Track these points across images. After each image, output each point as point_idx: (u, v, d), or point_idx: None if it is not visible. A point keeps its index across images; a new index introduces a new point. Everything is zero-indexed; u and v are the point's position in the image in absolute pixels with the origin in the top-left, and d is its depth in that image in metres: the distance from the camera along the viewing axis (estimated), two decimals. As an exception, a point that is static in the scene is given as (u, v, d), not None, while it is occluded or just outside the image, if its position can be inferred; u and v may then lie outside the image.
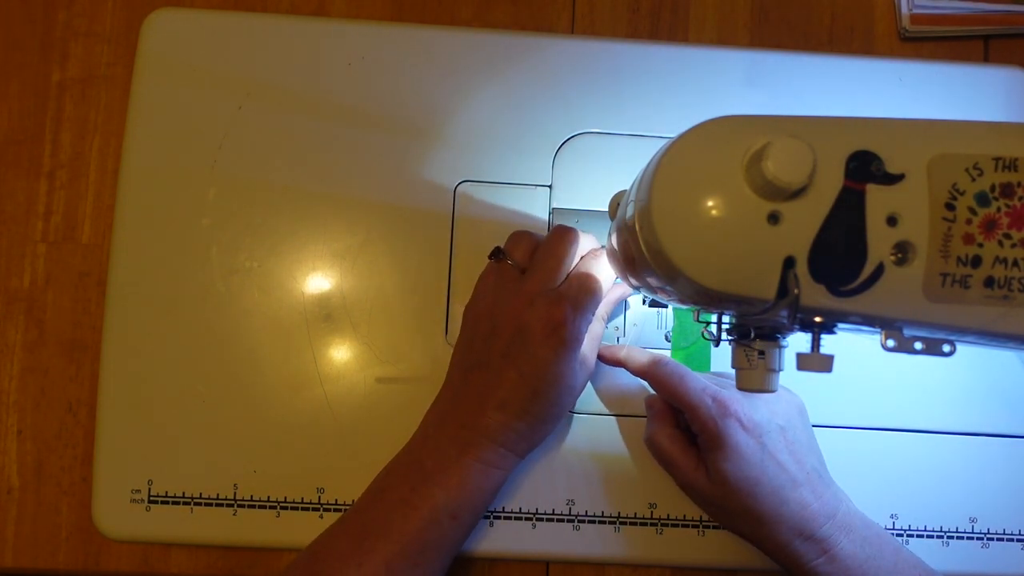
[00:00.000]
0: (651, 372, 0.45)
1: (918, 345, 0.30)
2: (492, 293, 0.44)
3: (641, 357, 0.46)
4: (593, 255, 0.45)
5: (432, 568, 0.42)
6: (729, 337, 0.39)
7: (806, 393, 0.46)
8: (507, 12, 0.54)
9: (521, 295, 0.42)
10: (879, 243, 0.28)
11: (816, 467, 0.44)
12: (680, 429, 0.46)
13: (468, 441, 0.42)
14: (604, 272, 0.44)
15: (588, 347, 0.45)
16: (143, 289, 0.49)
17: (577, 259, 0.45)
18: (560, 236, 0.44)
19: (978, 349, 0.48)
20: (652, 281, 0.34)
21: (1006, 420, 0.50)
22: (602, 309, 0.46)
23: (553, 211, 0.50)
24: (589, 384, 0.49)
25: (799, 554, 0.42)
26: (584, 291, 0.43)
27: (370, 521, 0.42)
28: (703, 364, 0.49)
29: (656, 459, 0.47)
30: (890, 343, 0.29)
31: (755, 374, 0.38)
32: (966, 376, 0.49)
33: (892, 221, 0.28)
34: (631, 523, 0.48)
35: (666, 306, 0.48)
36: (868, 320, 0.29)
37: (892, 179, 0.28)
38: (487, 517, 0.48)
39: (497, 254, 0.45)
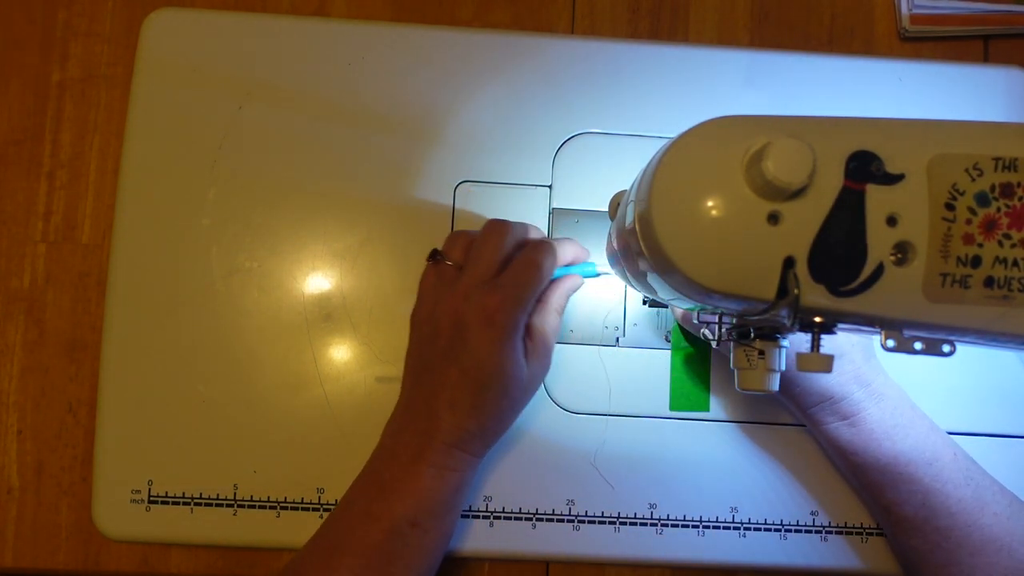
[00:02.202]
0: None
1: (918, 345, 0.30)
2: (432, 294, 0.44)
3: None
4: (533, 244, 0.44)
5: None
6: (729, 337, 0.39)
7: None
8: (507, 12, 0.54)
9: (458, 292, 0.42)
10: (879, 243, 0.28)
11: (864, 343, 0.44)
12: None
13: (421, 447, 0.42)
14: (546, 260, 0.43)
15: (543, 340, 0.44)
16: (143, 289, 0.49)
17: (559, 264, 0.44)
18: (493, 228, 0.44)
19: (978, 349, 0.48)
20: (652, 281, 0.34)
21: (1006, 420, 0.50)
22: (557, 302, 0.45)
23: (553, 211, 0.50)
24: (588, 384, 0.49)
25: (819, 417, 0.44)
26: (520, 279, 0.42)
27: (336, 536, 0.42)
28: (703, 364, 0.49)
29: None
30: (890, 343, 0.29)
31: (755, 374, 0.38)
32: (966, 376, 0.49)
33: (892, 221, 0.28)
34: (631, 523, 0.48)
35: (666, 306, 0.48)
36: (868, 320, 0.29)
37: (892, 179, 0.28)
38: (487, 517, 0.48)
39: (434, 255, 0.45)
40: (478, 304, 0.41)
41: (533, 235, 0.46)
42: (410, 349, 0.45)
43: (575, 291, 0.47)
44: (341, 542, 0.41)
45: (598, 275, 0.47)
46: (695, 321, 0.43)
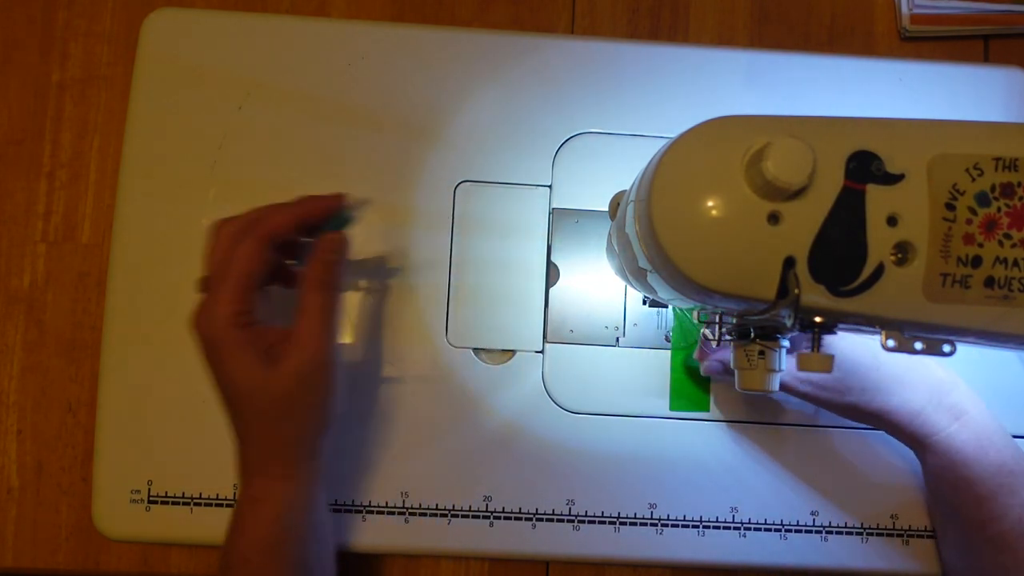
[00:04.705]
0: None
1: (918, 345, 0.30)
2: None
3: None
4: (225, 230, 0.39)
5: None
6: (729, 337, 0.39)
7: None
8: (507, 12, 0.54)
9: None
10: (879, 243, 0.28)
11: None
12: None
13: (239, 484, 0.41)
14: (239, 246, 0.38)
15: (298, 334, 0.38)
16: (143, 289, 0.49)
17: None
18: (211, 233, 0.40)
19: (978, 349, 0.48)
20: (652, 281, 0.34)
21: (1006, 420, 0.49)
22: (317, 278, 0.39)
23: (553, 211, 0.50)
24: (588, 384, 0.49)
25: (932, 422, 0.42)
26: (217, 281, 0.38)
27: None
28: (703, 364, 0.49)
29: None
30: (890, 343, 0.29)
31: (755, 374, 0.38)
32: (966, 376, 0.49)
33: (892, 221, 0.28)
34: (631, 523, 0.48)
35: (666, 306, 0.48)
36: (868, 320, 0.29)
37: (892, 179, 0.28)
38: (487, 517, 0.48)
39: (201, 285, 0.40)
40: (194, 323, 0.38)
41: (270, 220, 0.39)
42: None
43: (341, 252, 0.41)
44: None
45: (352, 217, 0.42)
46: (696, 319, 0.43)
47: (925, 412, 0.42)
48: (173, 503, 0.48)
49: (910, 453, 0.46)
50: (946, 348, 0.30)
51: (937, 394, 0.42)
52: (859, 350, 0.42)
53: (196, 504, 0.48)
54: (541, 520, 0.48)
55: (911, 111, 0.52)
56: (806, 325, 0.30)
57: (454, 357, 0.49)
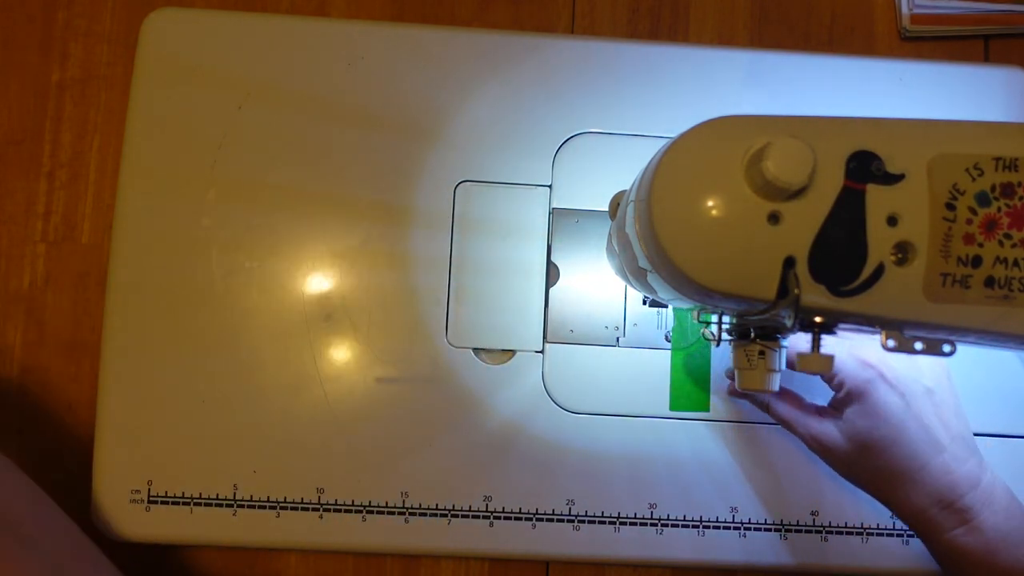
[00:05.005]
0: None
1: (918, 345, 0.30)
2: None
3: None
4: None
5: None
6: (729, 337, 0.39)
7: (806, 392, 0.46)
8: (507, 12, 0.54)
9: None
10: (879, 243, 0.28)
11: (963, 432, 0.41)
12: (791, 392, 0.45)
13: None
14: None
15: None
16: (143, 289, 0.49)
17: None
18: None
19: (978, 349, 0.48)
20: (652, 281, 0.34)
21: (1006, 420, 0.49)
22: None
23: (553, 211, 0.50)
24: (588, 384, 0.49)
25: (936, 522, 0.40)
26: None
27: None
28: (703, 364, 0.49)
29: (780, 424, 0.45)
30: (890, 343, 0.29)
31: (755, 374, 0.38)
32: (966, 376, 0.49)
33: (892, 221, 0.28)
34: (631, 523, 0.48)
35: (666, 306, 0.48)
36: (868, 320, 0.29)
37: (892, 179, 0.28)
38: (487, 517, 0.48)
39: None
40: None
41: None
42: None
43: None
44: None
45: None
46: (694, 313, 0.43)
47: (928, 513, 0.40)
48: (173, 503, 0.48)
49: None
50: (946, 348, 0.30)
51: (949, 495, 0.40)
52: (881, 431, 0.40)
53: (196, 504, 0.48)
54: (541, 520, 0.48)
55: (911, 111, 0.52)
56: (806, 325, 0.30)
57: (454, 357, 0.49)
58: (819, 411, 0.44)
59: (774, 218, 0.28)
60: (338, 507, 0.48)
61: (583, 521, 0.48)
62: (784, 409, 0.44)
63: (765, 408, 0.45)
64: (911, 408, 0.40)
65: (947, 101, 0.52)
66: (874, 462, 0.41)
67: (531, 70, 0.51)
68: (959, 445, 0.40)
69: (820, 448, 0.43)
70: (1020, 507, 0.41)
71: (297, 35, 0.51)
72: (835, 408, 0.43)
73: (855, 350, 0.41)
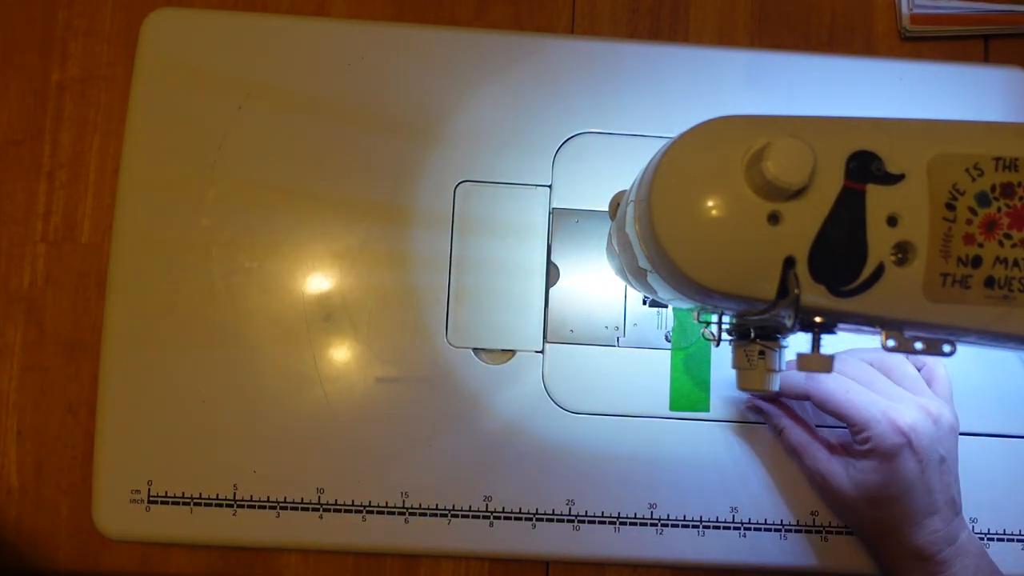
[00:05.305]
0: (812, 391, 0.44)
1: (918, 345, 0.30)
2: None
3: (796, 380, 0.45)
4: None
5: None
6: (729, 337, 0.39)
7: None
8: (507, 12, 0.54)
9: None
10: (879, 243, 0.28)
11: (955, 496, 0.44)
12: (802, 421, 0.47)
13: None
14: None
15: None
16: (143, 289, 0.49)
17: None
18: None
19: (978, 349, 0.48)
20: (652, 281, 0.34)
21: (1006, 420, 0.49)
22: None
23: (553, 211, 0.50)
24: (588, 384, 0.49)
25: (909, 570, 0.43)
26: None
27: None
28: (703, 364, 0.49)
29: (787, 452, 0.47)
30: (890, 343, 0.29)
31: (755, 374, 0.38)
32: (966, 376, 0.49)
33: (892, 221, 0.28)
34: (631, 523, 0.48)
35: (666, 306, 0.48)
36: (868, 320, 0.29)
37: (892, 179, 0.28)
38: (487, 517, 0.48)
39: None
40: None
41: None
42: None
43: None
44: None
45: None
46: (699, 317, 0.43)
47: (907, 562, 0.43)
48: (173, 503, 0.48)
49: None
50: (946, 348, 0.30)
51: (930, 550, 0.42)
52: (890, 490, 0.43)
53: (196, 504, 0.48)
54: (541, 520, 0.48)
55: (911, 111, 0.52)
56: (806, 325, 0.30)
57: (454, 357, 0.49)
58: (829, 446, 0.45)
59: (774, 218, 0.28)
60: (338, 507, 0.48)
61: (583, 521, 0.48)
62: (798, 437, 0.46)
63: (779, 432, 0.47)
64: (923, 475, 0.42)
65: (947, 101, 0.52)
66: (872, 513, 0.43)
67: (531, 70, 0.51)
68: (949, 508, 0.43)
69: (822, 485, 0.45)
70: (989, 562, 0.43)
71: (297, 35, 0.51)
72: (847, 451, 0.44)
73: (891, 412, 0.42)
